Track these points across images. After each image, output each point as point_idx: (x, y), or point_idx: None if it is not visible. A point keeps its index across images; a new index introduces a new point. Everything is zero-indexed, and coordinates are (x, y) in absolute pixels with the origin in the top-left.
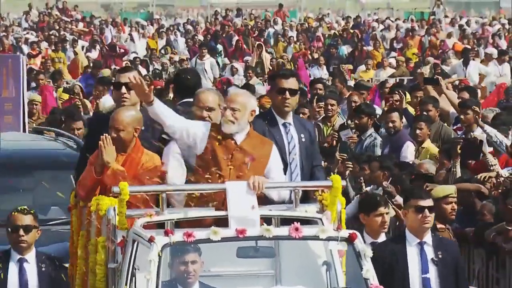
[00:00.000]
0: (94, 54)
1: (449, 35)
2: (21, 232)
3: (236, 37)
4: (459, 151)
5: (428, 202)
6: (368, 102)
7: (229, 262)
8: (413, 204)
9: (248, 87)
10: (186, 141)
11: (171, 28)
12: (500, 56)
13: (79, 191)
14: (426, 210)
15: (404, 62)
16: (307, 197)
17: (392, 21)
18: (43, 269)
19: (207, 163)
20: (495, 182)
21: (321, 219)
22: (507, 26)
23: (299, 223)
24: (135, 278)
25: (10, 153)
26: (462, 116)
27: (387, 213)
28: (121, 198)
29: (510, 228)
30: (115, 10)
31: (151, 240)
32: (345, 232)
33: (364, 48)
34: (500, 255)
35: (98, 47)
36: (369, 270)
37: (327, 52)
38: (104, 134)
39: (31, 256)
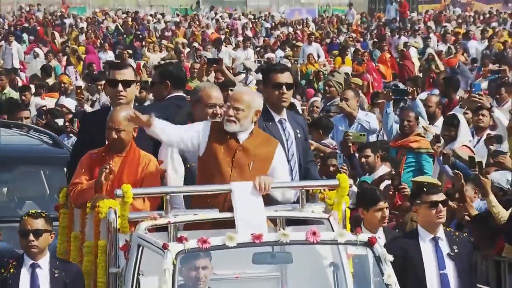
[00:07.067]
0: None
1: (207, 27)
2: (31, 237)
3: (38, 28)
4: None
5: (441, 197)
6: None
7: (233, 264)
8: (426, 199)
9: None
10: (185, 149)
11: None
12: (244, 42)
13: (75, 200)
14: (440, 205)
15: (172, 49)
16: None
17: (162, 15)
18: (56, 275)
19: (207, 164)
20: None
21: (328, 220)
22: (252, 20)
23: (312, 224)
24: (139, 284)
25: None
26: None
27: (386, 208)
28: (124, 201)
29: None
30: None
31: (164, 247)
32: (364, 236)
33: (141, 36)
34: None
35: None
36: (390, 276)
37: (115, 38)
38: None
39: (44, 261)
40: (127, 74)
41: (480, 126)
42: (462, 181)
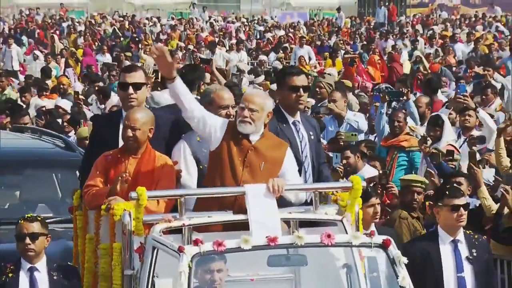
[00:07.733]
0: None
1: (202, 30)
2: (27, 240)
3: (37, 31)
4: None
5: (462, 201)
6: None
7: (248, 266)
8: (448, 202)
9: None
10: (201, 131)
11: None
12: (237, 45)
13: (89, 202)
14: (461, 209)
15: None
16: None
17: (158, 19)
18: (55, 277)
19: (220, 160)
20: None
21: (341, 221)
22: (246, 23)
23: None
24: (154, 286)
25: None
26: None
27: (378, 204)
28: (138, 203)
29: None
30: None
31: (180, 250)
32: (378, 238)
33: (137, 39)
34: None
35: None
36: (405, 278)
37: (112, 41)
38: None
39: (41, 264)
40: (137, 76)
41: (467, 126)
42: (433, 178)
